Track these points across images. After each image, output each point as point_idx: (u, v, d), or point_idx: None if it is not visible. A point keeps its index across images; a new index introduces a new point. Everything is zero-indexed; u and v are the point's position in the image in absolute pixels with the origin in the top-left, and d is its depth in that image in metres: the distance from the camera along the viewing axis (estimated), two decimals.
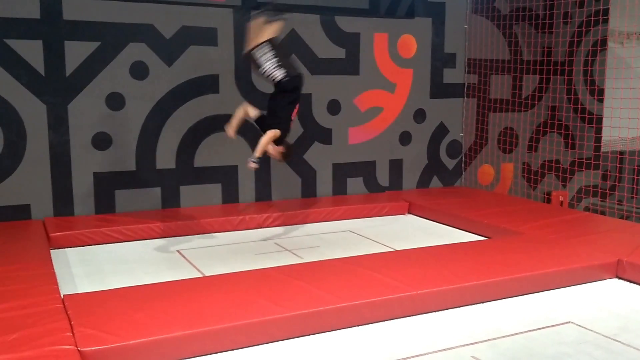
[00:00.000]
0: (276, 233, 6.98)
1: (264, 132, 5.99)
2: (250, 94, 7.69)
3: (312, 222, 7.43)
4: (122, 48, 6.98)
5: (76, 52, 6.77)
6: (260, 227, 7.14)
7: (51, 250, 5.75)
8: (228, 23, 7.50)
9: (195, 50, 7.35)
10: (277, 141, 6.00)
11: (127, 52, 7.01)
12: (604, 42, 9.07)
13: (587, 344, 4.07)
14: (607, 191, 8.84)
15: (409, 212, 8.06)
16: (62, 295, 4.30)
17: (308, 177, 8.23)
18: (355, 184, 8.54)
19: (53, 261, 5.26)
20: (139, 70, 7.10)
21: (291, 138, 8.03)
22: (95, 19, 6.83)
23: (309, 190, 8.25)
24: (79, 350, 3.46)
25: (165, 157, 7.38)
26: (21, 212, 6.70)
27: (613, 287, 5.22)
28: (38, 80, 6.65)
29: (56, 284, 4.54)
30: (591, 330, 4.29)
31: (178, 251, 6.18)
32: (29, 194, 6.72)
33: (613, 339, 4.14)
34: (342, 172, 8.42)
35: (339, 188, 8.45)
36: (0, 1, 6.39)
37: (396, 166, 8.83)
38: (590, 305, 4.78)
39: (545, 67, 9.52)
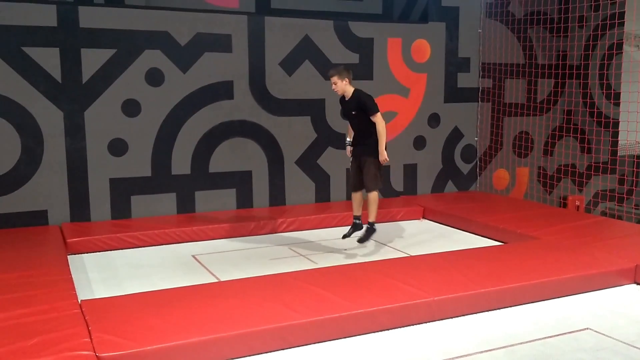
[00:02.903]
0: (290, 238, 6.99)
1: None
2: (264, 99, 7.72)
3: (326, 228, 7.42)
4: (138, 55, 7.04)
5: (92, 60, 6.84)
6: (275, 232, 7.14)
7: (68, 256, 5.79)
8: (242, 30, 7.53)
9: (210, 57, 7.39)
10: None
11: (143, 59, 7.07)
12: (619, 46, 9.00)
13: (605, 350, 4.03)
14: (624, 195, 8.76)
15: (423, 217, 8.04)
16: (79, 301, 4.34)
17: (322, 182, 8.24)
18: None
19: (70, 267, 5.30)
20: (154, 77, 7.15)
21: (305, 142, 8.09)
22: (111, 27, 6.89)
23: (322, 195, 8.26)
24: (97, 356, 3.48)
25: (181, 163, 7.42)
26: (38, 218, 6.77)
27: (631, 293, 5.16)
28: (55, 87, 6.72)
29: (74, 289, 4.58)
30: (609, 337, 4.24)
31: (193, 256, 6.21)
32: (46, 200, 6.79)
33: (632, 346, 4.10)
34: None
35: None
36: (18, 10, 6.47)
37: (411, 171, 8.81)
38: (608, 312, 4.73)
39: (560, 71, 9.47)
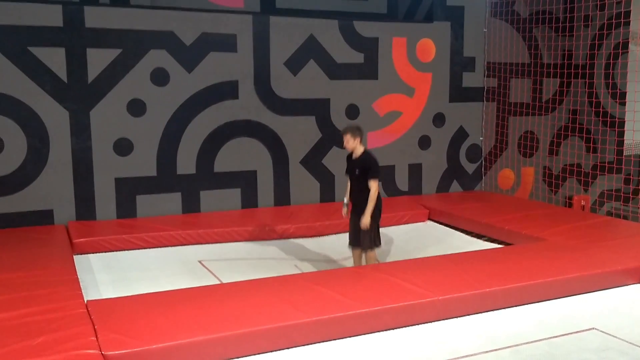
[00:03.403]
0: (295, 243, 6.96)
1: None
2: (268, 99, 7.73)
3: (332, 234, 7.27)
4: (143, 55, 7.06)
5: (98, 59, 6.86)
6: (281, 238, 7.04)
7: (75, 256, 5.81)
8: (247, 29, 7.54)
9: (215, 57, 7.40)
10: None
11: (148, 59, 7.08)
12: (625, 45, 8.97)
13: (611, 350, 4.02)
14: (630, 195, 8.73)
15: (429, 219, 8.00)
16: (85, 301, 4.35)
17: (327, 182, 8.24)
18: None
19: (76, 267, 5.32)
20: (159, 77, 7.17)
21: (310, 142, 8.09)
22: (117, 27, 6.91)
23: (327, 194, 8.26)
24: (102, 355, 3.50)
25: (186, 163, 7.43)
26: (44, 217, 6.79)
27: (637, 293, 5.14)
28: (61, 87, 6.74)
29: (80, 289, 4.60)
30: (615, 337, 4.23)
31: (199, 262, 6.19)
32: (52, 200, 6.82)
33: (637, 346, 4.09)
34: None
35: None
36: (24, 10, 6.50)
37: (415, 170, 8.80)
38: (614, 311, 4.72)
39: (565, 71, 9.44)
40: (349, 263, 5.99)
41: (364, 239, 5.62)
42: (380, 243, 5.72)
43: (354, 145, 5.63)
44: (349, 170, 5.77)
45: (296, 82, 7.87)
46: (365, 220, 5.49)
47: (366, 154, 5.67)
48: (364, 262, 5.78)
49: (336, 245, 6.79)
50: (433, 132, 8.87)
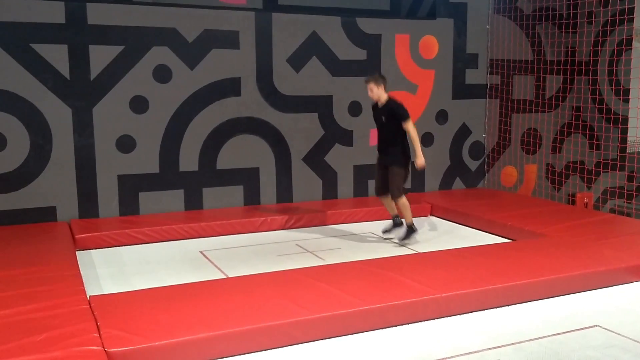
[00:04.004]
0: (298, 235, 6.99)
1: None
2: (271, 96, 7.72)
3: (333, 224, 7.41)
4: (146, 52, 7.06)
5: (100, 56, 6.86)
6: (282, 229, 7.14)
7: (77, 252, 5.82)
8: (250, 26, 7.53)
9: (218, 54, 7.40)
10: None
11: (151, 56, 7.08)
12: (629, 42, 8.93)
13: (614, 347, 4.01)
14: (633, 192, 8.69)
15: (431, 214, 8.02)
16: (88, 297, 4.36)
17: (329, 179, 8.23)
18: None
19: (79, 262, 5.32)
20: (162, 74, 7.17)
21: (312, 139, 8.09)
22: (119, 24, 6.91)
23: (330, 192, 8.25)
24: (105, 351, 3.50)
25: (188, 160, 7.43)
26: (47, 214, 6.80)
27: None
28: (63, 84, 6.74)
29: (82, 285, 4.60)
30: (618, 334, 4.22)
31: (201, 252, 6.23)
32: (54, 196, 6.82)
33: None
34: (363, 174, 8.40)
35: (360, 190, 8.43)
36: (26, 7, 6.49)
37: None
38: (617, 309, 4.71)
39: (569, 67, 9.41)
40: (355, 254, 5.99)
41: (394, 189, 5.78)
42: (405, 190, 5.84)
43: (379, 94, 5.74)
44: (376, 119, 5.83)
45: (299, 79, 7.86)
46: (420, 161, 5.55)
47: (391, 100, 5.76)
48: (401, 211, 6.04)
49: (340, 231, 6.87)
50: (436, 129, 8.85)
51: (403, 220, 6.49)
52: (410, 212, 6.35)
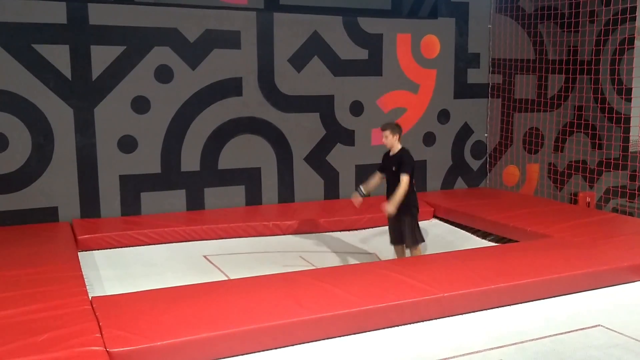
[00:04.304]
0: (300, 239, 6.94)
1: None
2: (272, 96, 7.72)
3: (336, 230, 7.29)
4: (147, 52, 7.05)
5: (102, 57, 6.86)
6: (285, 234, 7.04)
7: (79, 253, 5.81)
8: (251, 26, 7.53)
9: (219, 54, 7.39)
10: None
11: (152, 56, 7.08)
12: (631, 41, 8.92)
13: (616, 347, 4.00)
14: (636, 192, 8.67)
15: (434, 217, 7.97)
16: (90, 297, 4.35)
17: (331, 179, 8.23)
18: (378, 185, 8.50)
19: (81, 263, 5.32)
20: (163, 74, 7.17)
21: (314, 139, 8.07)
22: (121, 24, 6.91)
23: (331, 191, 8.25)
24: (107, 351, 3.50)
25: (190, 160, 7.43)
26: (49, 215, 6.80)
27: None
28: (65, 84, 6.74)
29: (84, 286, 4.60)
30: (621, 334, 4.21)
31: (204, 256, 6.20)
32: (56, 197, 6.82)
33: None
34: (365, 174, 8.36)
35: None
36: (28, 7, 6.49)
37: (420, 167, 8.76)
38: (620, 308, 4.70)
39: (571, 67, 9.40)
40: (356, 258, 5.99)
41: (410, 238, 5.70)
42: (423, 238, 5.84)
43: (392, 142, 5.73)
44: (386, 167, 5.85)
45: (300, 78, 7.86)
46: (390, 208, 5.53)
47: (404, 150, 5.74)
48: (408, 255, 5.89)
49: (342, 239, 6.81)
50: (438, 128, 8.84)
51: None
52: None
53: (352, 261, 6.25)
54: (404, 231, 5.72)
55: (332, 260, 6.33)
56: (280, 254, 6.41)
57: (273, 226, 7.03)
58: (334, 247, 6.76)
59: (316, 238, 7.00)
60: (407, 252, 5.86)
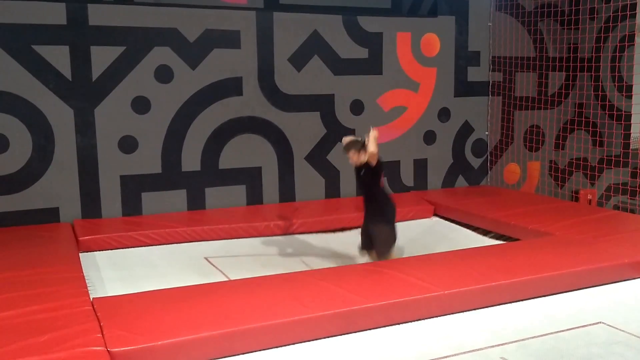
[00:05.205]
0: (301, 239, 6.96)
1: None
2: (273, 95, 7.72)
3: (336, 229, 7.27)
4: (147, 52, 7.06)
5: (102, 57, 6.86)
6: (285, 234, 7.02)
7: (80, 254, 5.82)
8: (251, 26, 7.53)
9: (219, 53, 7.39)
10: None
11: (152, 56, 7.08)
12: (631, 37, 8.91)
13: (618, 344, 4.00)
14: (637, 189, 8.68)
15: (434, 215, 7.97)
16: (91, 298, 4.36)
17: (332, 178, 8.23)
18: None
19: (83, 265, 5.32)
20: (163, 74, 7.17)
21: (314, 138, 8.08)
22: (120, 24, 6.91)
23: (332, 191, 8.25)
24: (108, 351, 3.50)
25: (191, 160, 7.43)
26: (50, 215, 6.81)
27: None
28: (65, 85, 6.75)
29: (85, 286, 4.60)
30: (622, 331, 4.21)
31: (205, 258, 6.20)
32: (57, 197, 6.83)
33: None
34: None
35: None
36: (27, 8, 6.50)
37: (421, 166, 8.78)
38: (621, 305, 4.69)
39: (571, 64, 9.39)
40: (355, 259, 5.98)
41: (380, 246, 5.45)
42: (393, 246, 5.57)
43: (359, 159, 5.48)
44: (357, 178, 5.66)
45: (300, 78, 7.86)
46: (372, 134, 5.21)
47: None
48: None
49: (343, 241, 6.80)
50: (438, 127, 8.84)
51: None
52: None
53: (354, 247, 6.23)
54: (375, 239, 5.51)
55: (332, 248, 6.36)
56: (282, 258, 6.36)
57: (274, 226, 7.01)
58: (336, 246, 6.75)
59: (318, 238, 7.00)
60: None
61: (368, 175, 5.48)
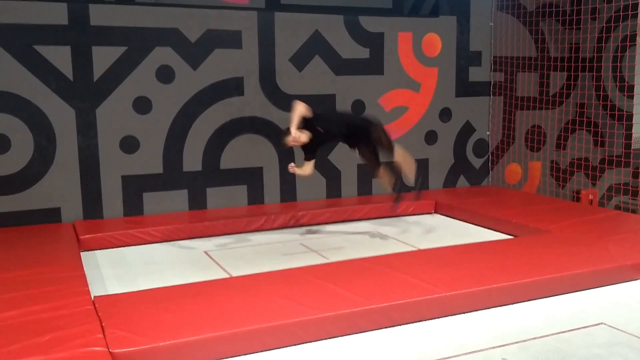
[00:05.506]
0: (302, 233, 6.99)
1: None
2: (274, 95, 7.72)
3: (337, 222, 7.42)
4: (149, 52, 7.06)
5: (104, 57, 6.87)
6: (286, 227, 7.14)
7: (81, 253, 5.83)
8: (252, 26, 7.53)
9: (220, 53, 7.39)
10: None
11: (154, 56, 7.09)
12: (633, 37, 8.90)
13: (619, 345, 3.99)
14: (639, 189, 8.66)
15: (435, 212, 8.00)
16: (92, 297, 4.36)
17: (333, 178, 8.23)
18: (380, 185, 8.50)
19: (83, 263, 5.33)
20: (165, 74, 7.17)
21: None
22: (122, 24, 6.91)
23: (333, 191, 8.25)
24: (110, 352, 3.50)
25: (192, 160, 7.44)
26: (52, 215, 6.82)
27: None
28: (67, 85, 6.75)
29: (87, 285, 4.60)
30: (624, 332, 4.20)
31: (205, 252, 6.23)
32: (59, 198, 6.84)
33: None
34: (367, 173, 8.38)
35: (364, 189, 8.42)
36: (29, 8, 6.51)
37: (422, 166, 8.76)
38: (623, 306, 4.69)
39: (573, 64, 9.38)
40: (358, 251, 5.99)
41: (386, 142, 5.98)
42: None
43: (304, 138, 5.96)
44: (322, 142, 6.23)
45: (301, 78, 7.86)
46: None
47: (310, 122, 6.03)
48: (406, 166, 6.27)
49: (345, 231, 6.87)
50: (439, 127, 8.84)
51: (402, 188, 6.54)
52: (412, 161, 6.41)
53: (353, 245, 6.39)
54: (377, 140, 5.97)
55: (332, 244, 6.43)
56: (281, 244, 6.51)
57: (274, 219, 7.14)
58: (335, 232, 6.88)
59: (318, 229, 7.19)
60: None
61: (320, 138, 6.01)
